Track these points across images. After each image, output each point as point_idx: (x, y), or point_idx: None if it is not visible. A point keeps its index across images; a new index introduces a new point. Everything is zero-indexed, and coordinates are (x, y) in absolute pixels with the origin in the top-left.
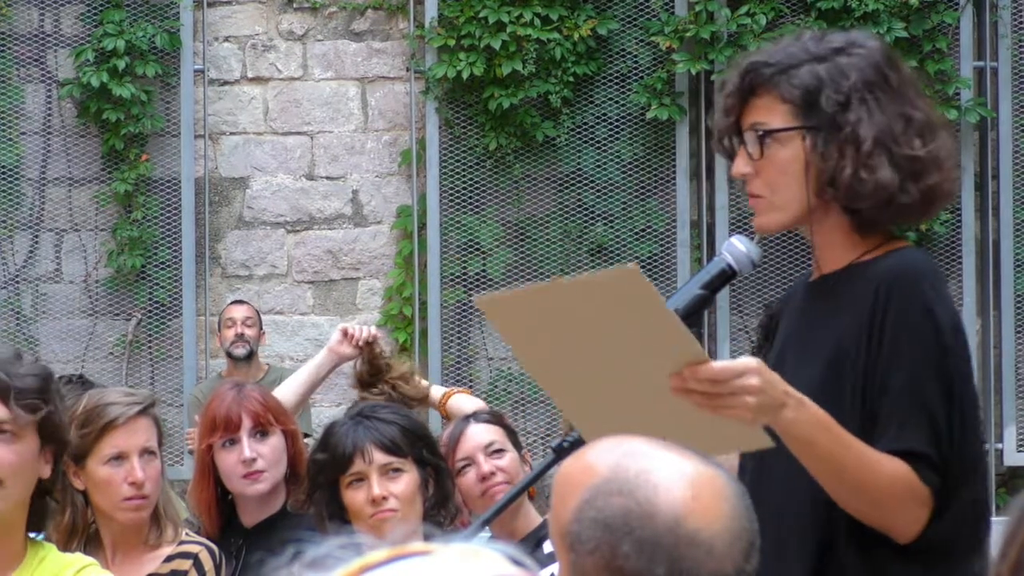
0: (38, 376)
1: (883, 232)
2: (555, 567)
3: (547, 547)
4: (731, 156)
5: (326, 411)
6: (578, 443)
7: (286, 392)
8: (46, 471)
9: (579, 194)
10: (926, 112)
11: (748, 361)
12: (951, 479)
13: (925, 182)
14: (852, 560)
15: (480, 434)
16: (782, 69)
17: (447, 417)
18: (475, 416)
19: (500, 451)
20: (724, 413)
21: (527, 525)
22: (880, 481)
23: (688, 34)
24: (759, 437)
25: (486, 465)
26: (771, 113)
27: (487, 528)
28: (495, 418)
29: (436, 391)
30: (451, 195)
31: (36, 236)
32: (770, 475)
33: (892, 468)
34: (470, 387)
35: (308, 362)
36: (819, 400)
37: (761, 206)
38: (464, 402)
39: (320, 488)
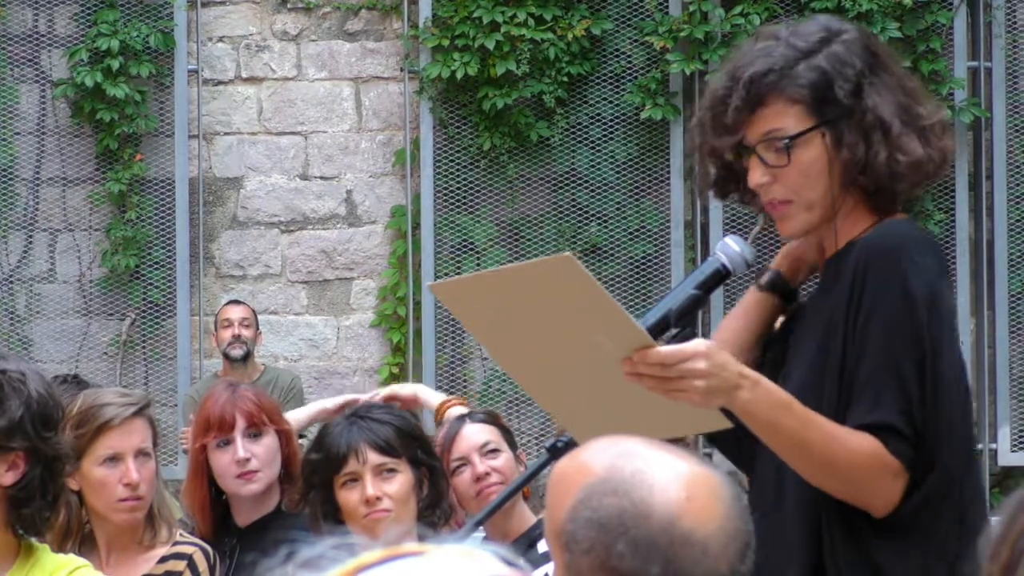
0: None
1: (890, 206)
2: (549, 567)
3: (541, 547)
4: (723, 173)
5: None
6: (572, 443)
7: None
8: (6, 478)
9: (573, 194)
10: (911, 79)
11: (696, 345)
12: (925, 451)
13: (939, 146)
14: (839, 535)
15: (476, 434)
16: (783, 73)
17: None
18: (471, 416)
19: (495, 451)
20: (675, 397)
21: (521, 525)
22: (847, 457)
23: (682, 34)
24: (716, 419)
25: (481, 465)
26: (783, 117)
27: (481, 528)
28: (491, 418)
29: (434, 398)
30: (445, 195)
31: (30, 236)
32: (770, 456)
33: (859, 443)
34: (464, 387)
35: (311, 407)
36: (812, 379)
37: (790, 211)
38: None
39: (314, 488)
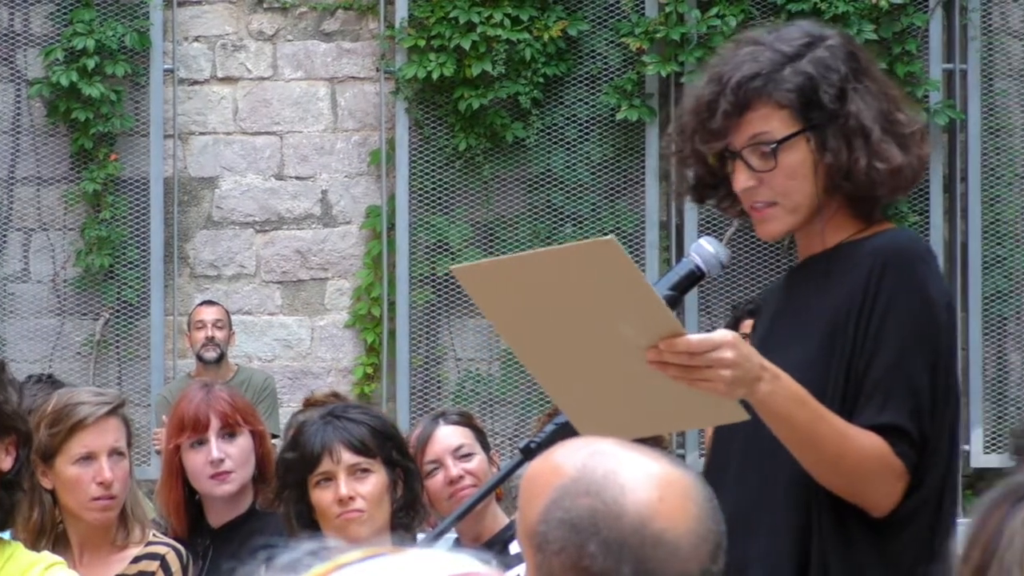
0: None
1: (872, 212)
2: (522, 568)
3: (513, 548)
4: (702, 178)
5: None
6: (545, 444)
7: None
8: (6, 463)
9: (548, 195)
10: (893, 85)
11: (724, 334)
12: (928, 454)
13: (917, 153)
14: (828, 529)
15: (449, 436)
16: (770, 77)
17: None
18: (444, 417)
19: (469, 455)
20: (699, 386)
21: (494, 526)
22: (855, 455)
23: (658, 35)
24: (735, 410)
25: (454, 469)
26: (769, 121)
27: (453, 530)
28: (464, 420)
29: None
30: (420, 195)
31: (4, 235)
32: (760, 443)
33: (868, 443)
34: (437, 388)
35: None
36: (810, 374)
37: (774, 213)
38: None
39: (288, 487)
